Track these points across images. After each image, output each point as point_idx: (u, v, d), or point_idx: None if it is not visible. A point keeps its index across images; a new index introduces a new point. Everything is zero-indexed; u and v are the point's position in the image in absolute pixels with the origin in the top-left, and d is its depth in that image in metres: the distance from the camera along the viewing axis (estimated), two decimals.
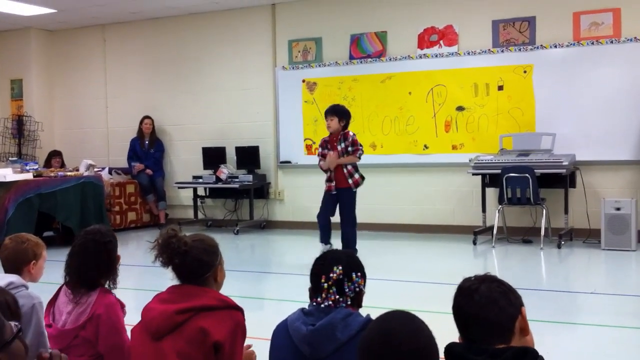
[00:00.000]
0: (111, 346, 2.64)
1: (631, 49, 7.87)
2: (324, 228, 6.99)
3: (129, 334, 2.70)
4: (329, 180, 6.96)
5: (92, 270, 2.73)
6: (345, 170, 6.89)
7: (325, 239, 6.96)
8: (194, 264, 2.45)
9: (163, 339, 2.34)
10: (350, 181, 6.89)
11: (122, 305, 2.77)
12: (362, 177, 7.02)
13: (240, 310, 2.44)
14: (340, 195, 6.95)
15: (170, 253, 2.44)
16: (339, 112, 6.91)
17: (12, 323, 1.64)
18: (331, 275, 2.29)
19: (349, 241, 6.81)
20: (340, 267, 2.30)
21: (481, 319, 1.80)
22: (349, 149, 6.87)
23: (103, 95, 11.26)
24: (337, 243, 6.90)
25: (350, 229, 6.92)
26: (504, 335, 1.79)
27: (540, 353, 1.74)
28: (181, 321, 2.34)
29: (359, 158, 6.94)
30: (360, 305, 2.36)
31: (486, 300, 1.81)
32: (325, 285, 2.29)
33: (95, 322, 2.64)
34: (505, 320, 1.80)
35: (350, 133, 6.96)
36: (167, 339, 2.33)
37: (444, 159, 8.80)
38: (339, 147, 6.85)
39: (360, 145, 6.95)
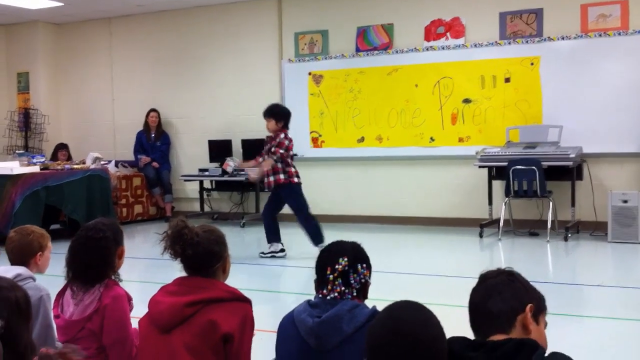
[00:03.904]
0: (114, 339, 2.64)
1: (639, 41, 7.82)
2: (267, 228, 6.97)
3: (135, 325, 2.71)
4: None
5: (86, 267, 2.69)
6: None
7: (271, 238, 6.96)
8: (206, 254, 2.45)
9: (172, 332, 2.34)
10: (272, 179, 6.80)
11: (129, 299, 2.77)
12: (289, 175, 6.85)
13: (248, 302, 2.44)
14: (280, 191, 6.90)
15: (182, 244, 2.43)
16: (272, 113, 6.86)
17: None
18: (336, 267, 2.29)
19: (310, 236, 6.78)
20: (345, 259, 2.30)
21: (482, 308, 1.82)
22: (272, 150, 6.79)
23: (109, 88, 11.27)
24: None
25: (303, 222, 6.85)
26: (502, 326, 1.80)
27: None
28: (190, 314, 2.34)
29: (275, 160, 6.77)
30: (366, 297, 2.36)
31: (490, 291, 1.83)
32: (331, 277, 2.29)
33: (101, 314, 2.64)
34: (505, 311, 1.81)
35: (281, 134, 6.83)
36: (175, 331, 2.33)
37: (451, 151, 8.78)
38: (265, 147, 6.91)
39: (284, 148, 6.78)
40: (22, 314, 1.88)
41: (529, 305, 1.83)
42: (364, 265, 2.34)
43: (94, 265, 2.69)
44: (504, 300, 1.81)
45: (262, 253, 6.97)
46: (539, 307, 1.88)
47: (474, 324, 1.86)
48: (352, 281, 2.29)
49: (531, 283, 1.95)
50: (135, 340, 2.68)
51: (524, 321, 1.81)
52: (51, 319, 2.86)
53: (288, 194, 6.89)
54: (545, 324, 1.92)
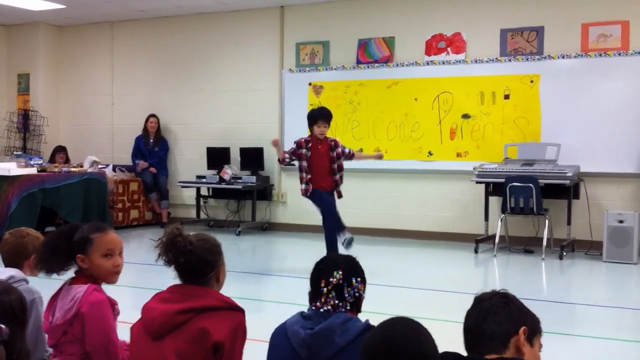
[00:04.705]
0: (95, 345, 2.61)
1: (639, 62, 7.85)
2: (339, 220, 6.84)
3: (122, 331, 2.70)
4: (307, 182, 6.75)
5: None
6: (337, 177, 6.78)
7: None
8: (199, 263, 2.45)
9: (163, 339, 2.33)
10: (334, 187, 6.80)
11: (113, 303, 2.74)
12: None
13: (241, 311, 2.44)
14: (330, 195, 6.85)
15: (175, 252, 2.43)
16: (331, 119, 6.92)
17: (2, 327, 1.60)
18: (331, 280, 2.29)
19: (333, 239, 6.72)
20: (340, 272, 2.30)
21: (476, 330, 1.82)
22: (346, 150, 6.87)
23: (109, 92, 11.28)
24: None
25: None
26: (496, 348, 1.80)
27: None
28: (182, 321, 2.34)
29: None
30: (359, 311, 2.36)
31: (485, 313, 1.84)
32: (325, 289, 2.28)
33: (81, 320, 2.62)
34: (498, 333, 1.81)
35: (338, 140, 6.95)
36: (167, 338, 2.33)
37: (448, 166, 8.79)
38: (332, 154, 6.76)
39: None
40: (16, 319, 1.86)
41: (523, 328, 1.83)
42: (359, 279, 2.34)
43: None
44: (498, 323, 1.81)
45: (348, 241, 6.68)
46: (534, 329, 1.88)
47: (468, 345, 1.86)
48: (346, 295, 2.29)
49: (526, 302, 1.95)
50: (120, 346, 2.66)
51: (517, 344, 1.81)
52: (42, 322, 2.85)
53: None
54: (540, 346, 1.92)
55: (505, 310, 1.84)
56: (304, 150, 6.76)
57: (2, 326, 1.59)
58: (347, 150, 6.89)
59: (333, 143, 6.82)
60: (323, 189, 6.75)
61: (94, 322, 2.62)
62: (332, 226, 6.66)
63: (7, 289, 1.97)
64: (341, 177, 6.83)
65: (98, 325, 2.62)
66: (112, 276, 2.78)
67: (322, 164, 6.76)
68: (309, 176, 6.74)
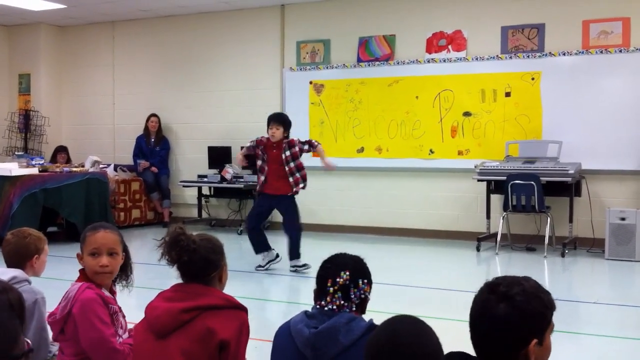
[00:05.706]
0: (91, 339, 2.62)
1: None
2: (261, 238, 6.93)
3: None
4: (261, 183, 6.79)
5: None
6: (292, 179, 6.67)
7: (265, 247, 6.91)
8: (202, 262, 2.45)
9: (167, 338, 2.34)
10: (294, 189, 6.72)
11: (109, 302, 2.71)
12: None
13: (244, 310, 2.44)
14: (281, 201, 6.80)
15: (178, 250, 2.43)
16: (284, 122, 6.72)
17: (26, 340, 1.60)
18: (337, 280, 2.28)
19: (295, 248, 6.75)
20: (347, 273, 2.29)
21: (482, 338, 1.77)
22: (305, 147, 6.71)
23: (110, 92, 11.28)
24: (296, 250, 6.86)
25: (296, 232, 6.83)
26: (505, 358, 1.75)
27: None
28: (186, 320, 2.34)
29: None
30: (363, 312, 2.35)
31: (493, 324, 1.74)
32: (331, 289, 2.28)
33: (73, 320, 2.62)
34: (506, 347, 1.74)
35: (295, 139, 6.74)
36: (171, 337, 2.33)
37: (450, 164, 8.78)
38: (283, 155, 6.62)
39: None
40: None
41: (534, 342, 1.75)
42: (365, 280, 2.32)
43: None
44: (507, 337, 1.73)
45: (261, 266, 6.85)
46: (546, 324, 1.82)
47: (477, 351, 1.80)
48: (352, 296, 2.28)
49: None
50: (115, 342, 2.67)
51: (526, 354, 1.74)
52: (45, 323, 2.85)
53: (294, 203, 6.85)
54: (552, 328, 1.86)
55: (516, 321, 1.74)
56: (259, 150, 6.74)
57: (28, 341, 1.60)
58: (306, 147, 6.72)
59: (287, 144, 6.67)
60: (277, 190, 6.72)
61: (86, 320, 2.62)
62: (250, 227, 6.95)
63: (5, 288, 1.97)
64: (302, 177, 6.75)
65: (89, 322, 2.63)
66: (98, 276, 2.76)
67: (273, 168, 6.70)
68: (262, 177, 6.76)
